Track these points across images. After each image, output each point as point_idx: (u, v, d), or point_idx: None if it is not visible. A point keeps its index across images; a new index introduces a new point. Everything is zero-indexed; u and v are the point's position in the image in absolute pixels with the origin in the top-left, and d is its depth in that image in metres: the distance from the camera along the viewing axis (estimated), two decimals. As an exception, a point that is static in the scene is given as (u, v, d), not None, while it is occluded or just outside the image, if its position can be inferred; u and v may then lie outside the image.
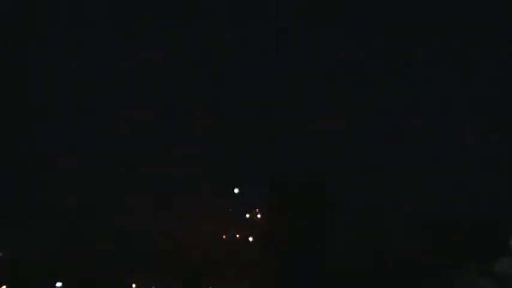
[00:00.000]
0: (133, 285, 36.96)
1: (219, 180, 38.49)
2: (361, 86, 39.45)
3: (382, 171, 37.84)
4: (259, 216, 39.01)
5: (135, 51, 39.35)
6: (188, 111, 39.52)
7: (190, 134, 38.96)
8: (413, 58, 39.66)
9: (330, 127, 38.42)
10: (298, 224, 36.86)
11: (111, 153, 38.73)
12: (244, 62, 39.73)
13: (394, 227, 37.07)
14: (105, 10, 40.10)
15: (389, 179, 37.43)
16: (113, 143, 38.68)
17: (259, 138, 38.49)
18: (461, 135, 38.01)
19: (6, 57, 38.66)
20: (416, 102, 39.18)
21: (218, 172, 38.27)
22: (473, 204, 36.29)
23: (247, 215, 39.13)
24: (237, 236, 38.64)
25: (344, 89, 39.43)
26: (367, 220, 37.50)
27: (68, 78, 39.06)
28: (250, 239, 38.67)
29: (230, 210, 39.14)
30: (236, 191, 39.04)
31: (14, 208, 36.72)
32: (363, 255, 36.52)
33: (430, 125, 38.90)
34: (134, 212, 37.60)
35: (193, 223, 37.58)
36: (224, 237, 38.55)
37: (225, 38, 40.03)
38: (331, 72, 39.78)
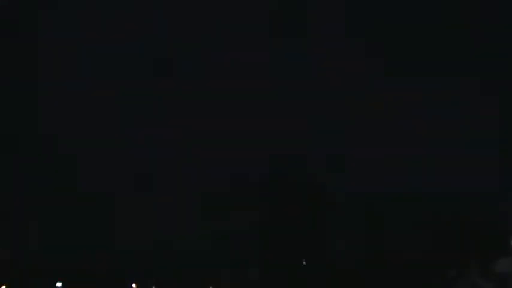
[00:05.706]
0: (134, 285, 36.97)
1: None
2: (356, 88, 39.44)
3: (381, 171, 37.86)
4: None
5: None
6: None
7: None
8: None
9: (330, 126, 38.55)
10: (298, 224, 36.88)
11: (111, 155, 38.78)
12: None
13: (394, 226, 37.05)
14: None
15: (389, 178, 37.42)
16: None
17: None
18: (461, 134, 38.04)
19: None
20: (417, 101, 39.18)
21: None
22: (473, 204, 36.28)
23: None
24: None
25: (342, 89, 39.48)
26: (367, 220, 37.49)
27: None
28: None
29: None
30: None
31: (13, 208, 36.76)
32: (363, 255, 36.51)
33: (430, 125, 38.94)
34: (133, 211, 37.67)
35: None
36: None
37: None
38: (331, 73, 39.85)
